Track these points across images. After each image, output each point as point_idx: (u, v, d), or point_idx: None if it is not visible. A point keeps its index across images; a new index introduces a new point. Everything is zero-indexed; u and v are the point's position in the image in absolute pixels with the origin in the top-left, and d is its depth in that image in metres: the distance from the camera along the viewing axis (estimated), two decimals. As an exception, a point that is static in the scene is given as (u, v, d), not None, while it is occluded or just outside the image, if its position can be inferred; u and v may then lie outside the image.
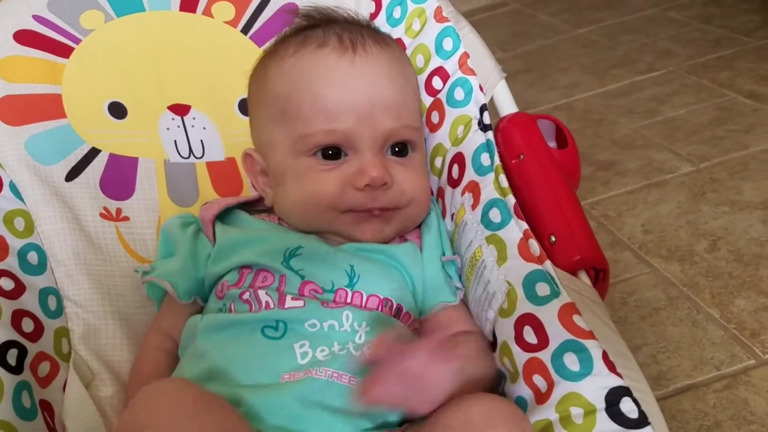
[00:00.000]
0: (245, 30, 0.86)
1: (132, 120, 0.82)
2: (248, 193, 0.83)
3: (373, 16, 0.86)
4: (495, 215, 0.65)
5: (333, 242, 0.68)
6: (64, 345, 0.69)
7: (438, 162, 0.77)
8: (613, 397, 0.49)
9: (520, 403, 0.55)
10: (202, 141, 0.84)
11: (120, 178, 0.80)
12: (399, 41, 0.81)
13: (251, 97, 0.74)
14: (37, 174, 0.76)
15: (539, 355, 0.54)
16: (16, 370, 0.61)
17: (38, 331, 0.67)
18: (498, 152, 0.70)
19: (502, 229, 0.64)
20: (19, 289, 0.68)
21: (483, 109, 0.73)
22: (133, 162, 0.81)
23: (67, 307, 0.72)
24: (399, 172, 0.67)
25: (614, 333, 0.56)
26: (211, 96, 0.84)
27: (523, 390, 0.55)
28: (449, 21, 0.79)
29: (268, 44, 0.81)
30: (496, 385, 0.61)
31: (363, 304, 0.63)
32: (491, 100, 0.74)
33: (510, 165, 0.69)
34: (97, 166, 0.79)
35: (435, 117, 0.78)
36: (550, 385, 0.52)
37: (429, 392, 0.52)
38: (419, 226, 0.72)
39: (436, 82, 0.79)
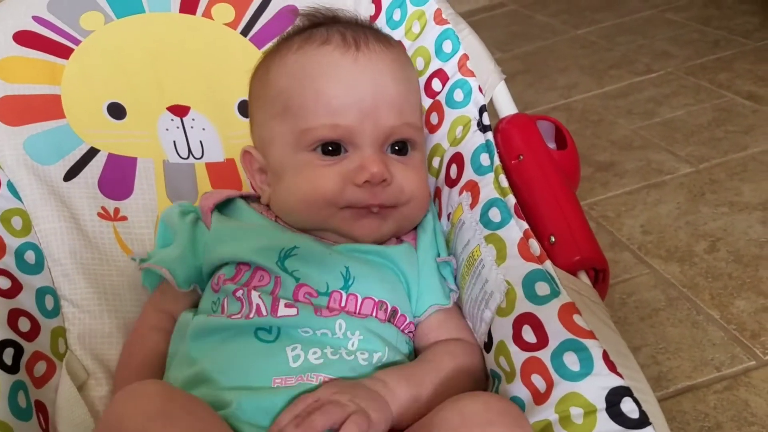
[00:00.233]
0: (245, 32, 0.86)
1: (131, 121, 0.82)
2: (247, 193, 0.83)
3: (373, 18, 0.85)
4: (495, 215, 0.65)
5: (328, 242, 0.68)
6: (60, 345, 0.69)
7: (436, 162, 0.77)
8: (614, 397, 0.49)
9: (517, 403, 0.54)
10: (201, 142, 0.84)
11: (118, 177, 0.80)
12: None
13: (252, 94, 0.74)
14: (36, 173, 0.76)
15: (538, 354, 0.54)
16: (13, 369, 0.61)
17: (35, 330, 0.67)
18: (498, 153, 0.69)
19: (501, 229, 0.64)
20: (16, 288, 0.68)
21: (482, 110, 0.73)
22: (131, 162, 0.81)
23: (64, 306, 0.72)
24: (399, 170, 0.67)
25: (614, 333, 0.55)
26: (210, 97, 0.84)
27: (520, 390, 0.54)
28: (449, 23, 0.79)
29: (267, 46, 0.82)
30: (483, 388, 0.61)
31: (358, 308, 0.63)
32: (491, 101, 0.74)
33: (510, 166, 0.69)
34: (96, 165, 0.79)
35: (434, 118, 0.78)
36: (550, 385, 0.52)
37: None
38: (415, 228, 0.72)
39: (436, 84, 0.79)
